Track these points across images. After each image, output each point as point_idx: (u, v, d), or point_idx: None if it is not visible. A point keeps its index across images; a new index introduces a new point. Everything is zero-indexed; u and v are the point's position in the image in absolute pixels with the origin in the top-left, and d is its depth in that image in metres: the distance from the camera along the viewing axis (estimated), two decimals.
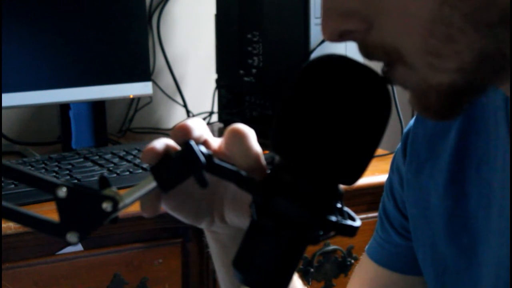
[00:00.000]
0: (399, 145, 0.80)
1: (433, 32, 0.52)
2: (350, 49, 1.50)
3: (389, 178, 0.81)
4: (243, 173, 0.57)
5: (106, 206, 0.55)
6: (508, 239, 0.65)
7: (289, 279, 0.57)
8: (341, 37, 0.56)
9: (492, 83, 0.57)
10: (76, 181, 1.27)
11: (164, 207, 0.63)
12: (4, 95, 1.44)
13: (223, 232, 0.68)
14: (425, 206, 0.74)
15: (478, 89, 0.56)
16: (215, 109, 1.81)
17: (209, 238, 0.70)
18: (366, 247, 0.86)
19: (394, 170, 0.80)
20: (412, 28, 0.53)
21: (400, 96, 1.47)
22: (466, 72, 0.53)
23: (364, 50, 0.56)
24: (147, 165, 0.60)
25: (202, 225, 0.67)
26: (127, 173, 1.32)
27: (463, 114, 0.70)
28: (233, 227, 0.66)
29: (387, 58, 0.55)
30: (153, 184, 0.57)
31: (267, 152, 0.60)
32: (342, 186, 0.56)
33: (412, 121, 0.78)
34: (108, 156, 1.42)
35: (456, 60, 0.53)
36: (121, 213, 0.56)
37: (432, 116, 0.57)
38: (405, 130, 0.79)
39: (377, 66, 0.57)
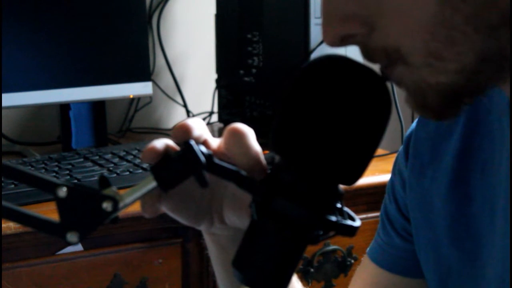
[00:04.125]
0: (401, 147, 0.80)
1: (434, 34, 0.52)
2: (350, 49, 1.50)
3: (391, 181, 0.81)
4: (243, 173, 0.57)
5: (106, 206, 0.55)
6: (510, 243, 0.65)
7: (288, 278, 0.57)
8: (342, 41, 0.56)
9: (492, 84, 0.57)
10: (76, 181, 1.27)
11: (163, 209, 0.63)
12: (4, 95, 1.44)
13: (222, 234, 0.68)
14: (428, 209, 0.74)
15: (477, 90, 0.56)
16: (215, 109, 1.81)
17: (208, 241, 0.70)
18: (368, 249, 0.86)
19: (396, 172, 0.80)
20: (413, 30, 0.53)
21: (400, 96, 1.47)
22: (466, 73, 0.53)
23: (366, 53, 0.56)
24: (147, 165, 0.60)
25: (202, 227, 0.67)
26: (127, 173, 1.32)
27: (466, 117, 0.70)
28: (232, 228, 0.66)
29: (388, 59, 0.55)
30: (153, 184, 0.57)
31: (267, 152, 0.60)
32: (342, 186, 0.56)
33: (414, 124, 0.77)
34: (108, 156, 1.42)
35: (457, 62, 0.53)
36: (121, 213, 0.56)
37: (429, 115, 0.57)
38: (407, 132, 0.78)
39: (377, 66, 0.57)
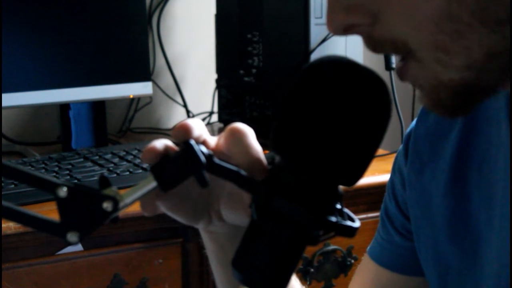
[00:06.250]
0: (401, 146, 0.80)
1: (441, 27, 0.52)
2: (350, 49, 1.50)
3: (391, 179, 0.81)
4: (243, 172, 0.57)
5: (107, 206, 0.55)
6: (509, 239, 0.65)
7: (288, 279, 0.57)
8: (346, 31, 0.56)
9: (501, 83, 0.57)
10: (76, 181, 1.27)
11: (161, 208, 0.63)
12: (4, 95, 1.44)
13: (220, 232, 0.68)
14: (427, 206, 0.74)
15: (487, 88, 0.56)
16: (215, 109, 1.81)
17: (206, 239, 0.70)
18: (368, 247, 0.86)
19: (395, 171, 0.80)
20: (419, 23, 0.53)
21: (400, 96, 1.47)
22: (475, 69, 0.54)
23: (371, 43, 0.56)
24: (147, 165, 0.60)
25: (200, 225, 0.67)
26: (127, 173, 1.32)
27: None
28: (230, 225, 0.66)
29: (397, 52, 0.56)
30: (153, 184, 0.57)
31: (267, 152, 0.60)
32: (341, 187, 0.56)
33: (413, 122, 0.78)
34: (108, 156, 1.42)
35: (465, 57, 0.53)
36: (121, 213, 0.56)
37: (442, 112, 0.58)
38: (406, 131, 0.79)
39: (378, 65, 0.57)
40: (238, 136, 0.60)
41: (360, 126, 0.54)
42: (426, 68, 0.55)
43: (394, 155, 0.82)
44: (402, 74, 0.57)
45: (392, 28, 0.54)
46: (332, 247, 1.41)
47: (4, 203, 0.54)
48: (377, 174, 1.35)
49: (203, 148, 0.57)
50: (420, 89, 0.57)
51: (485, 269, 0.68)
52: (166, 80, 1.84)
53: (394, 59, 1.41)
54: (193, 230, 1.27)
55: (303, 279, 1.40)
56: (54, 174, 1.32)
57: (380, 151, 1.43)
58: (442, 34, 0.53)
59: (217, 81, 1.78)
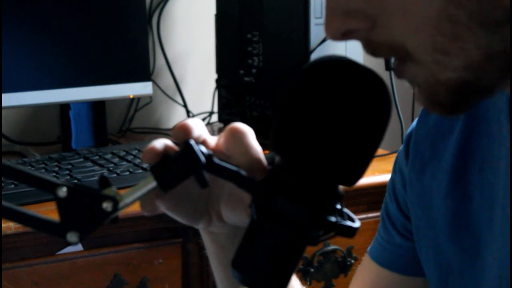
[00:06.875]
0: (401, 146, 0.80)
1: (439, 29, 0.53)
2: (350, 49, 1.50)
3: (392, 179, 0.81)
4: (243, 173, 0.57)
5: (106, 206, 0.55)
6: (510, 240, 0.65)
7: (288, 279, 0.57)
8: (344, 36, 0.56)
9: (499, 84, 0.57)
10: (76, 181, 1.27)
11: (161, 208, 0.63)
12: (4, 95, 1.44)
13: (220, 232, 0.68)
14: (428, 207, 0.74)
15: (486, 89, 0.56)
16: (215, 109, 1.81)
17: (206, 239, 0.70)
18: (368, 248, 0.86)
19: (396, 171, 0.80)
20: (417, 26, 0.53)
21: (400, 96, 1.47)
22: (474, 70, 0.54)
23: (369, 47, 0.56)
24: (147, 165, 0.60)
25: (200, 226, 0.67)
26: (127, 173, 1.32)
27: (466, 115, 0.71)
28: (231, 225, 0.66)
29: (395, 55, 0.56)
30: (153, 184, 0.57)
31: (267, 152, 0.60)
32: (342, 187, 0.56)
33: (414, 123, 0.78)
34: (108, 156, 1.42)
35: (464, 58, 0.53)
36: (121, 213, 0.56)
37: (439, 111, 0.58)
38: (407, 131, 0.79)
39: (378, 65, 0.57)
40: (238, 136, 0.60)
41: (360, 126, 0.54)
42: (424, 68, 0.55)
43: (394, 155, 0.82)
44: (399, 72, 0.57)
45: (390, 32, 0.54)
46: (332, 247, 1.41)
47: (4, 203, 0.54)
48: (377, 174, 1.35)
49: (203, 148, 0.57)
50: (417, 87, 0.57)
51: (486, 269, 0.68)
52: (166, 80, 1.84)
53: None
54: (193, 230, 1.28)
55: (303, 279, 1.40)
56: (54, 174, 1.32)
57: (380, 151, 1.43)
58: (441, 36, 0.53)
59: (217, 81, 1.78)
